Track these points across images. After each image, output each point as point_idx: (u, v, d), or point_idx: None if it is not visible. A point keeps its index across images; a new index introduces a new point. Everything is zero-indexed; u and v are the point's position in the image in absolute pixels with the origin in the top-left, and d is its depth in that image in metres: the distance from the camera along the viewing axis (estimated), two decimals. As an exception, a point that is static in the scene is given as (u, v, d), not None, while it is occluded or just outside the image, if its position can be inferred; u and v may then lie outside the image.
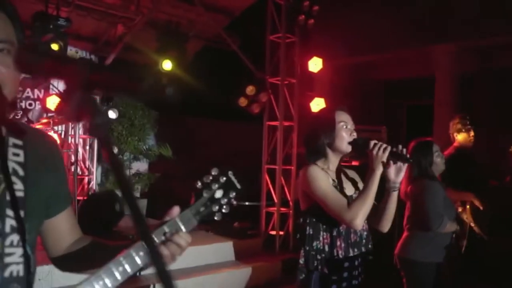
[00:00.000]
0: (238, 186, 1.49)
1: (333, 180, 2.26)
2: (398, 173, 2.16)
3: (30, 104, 6.82)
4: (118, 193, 7.46)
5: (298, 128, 6.53)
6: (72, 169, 6.77)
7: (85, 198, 5.90)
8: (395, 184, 2.18)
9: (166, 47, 6.54)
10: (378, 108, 9.47)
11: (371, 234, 2.36)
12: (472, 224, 3.85)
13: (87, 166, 7.06)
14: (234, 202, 1.44)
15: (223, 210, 1.53)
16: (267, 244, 6.20)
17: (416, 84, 8.67)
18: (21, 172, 1.21)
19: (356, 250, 2.27)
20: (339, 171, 2.36)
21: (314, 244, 2.23)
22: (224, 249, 5.89)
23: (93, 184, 6.92)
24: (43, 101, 6.66)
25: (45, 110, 6.60)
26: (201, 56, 8.54)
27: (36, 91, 6.82)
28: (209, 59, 8.45)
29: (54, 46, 5.80)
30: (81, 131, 7.08)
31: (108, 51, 7.10)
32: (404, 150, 2.13)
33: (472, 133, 4.45)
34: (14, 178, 1.19)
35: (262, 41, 6.70)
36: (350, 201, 2.21)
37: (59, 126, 6.91)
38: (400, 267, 3.40)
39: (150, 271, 1.10)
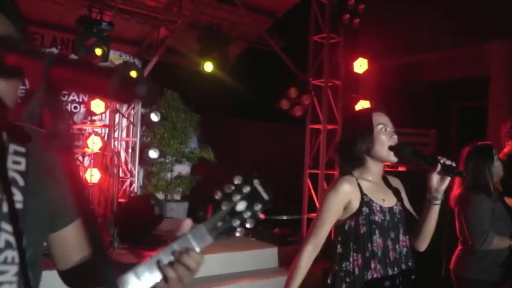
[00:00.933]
0: (266, 196, 1.31)
1: (363, 194, 2.03)
2: (442, 182, 1.91)
3: (75, 107, 6.93)
4: (158, 196, 7.50)
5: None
6: (115, 171, 6.85)
7: (126, 200, 5.91)
8: (437, 194, 1.93)
9: (208, 49, 6.49)
10: (427, 110, 9.04)
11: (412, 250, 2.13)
12: None
13: (129, 169, 7.10)
14: (261, 215, 1.27)
15: (247, 225, 1.37)
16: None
17: (467, 84, 8.19)
18: (21, 181, 1.10)
19: (396, 268, 2.03)
20: (381, 180, 2.14)
21: (344, 265, 2.02)
22: (265, 255, 5.73)
23: (135, 187, 6.95)
24: (87, 104, 6.76)
25: (89, 113, 6.70)
26: (244, 58, 8.45)
27: (81, 94, 6.92)
28: (252, 61, 8.34)
29: (98, 51, 5.86)
30: (124, 134, 7.14)
31: (151, 55, 7.12)
32: (454, 163, 1.88)
33: None
34: (12, 188, 1.08)
35: (305, 42, 6.52)
36: (392, 212, 2.02)
37: (102, 129, 7.00)
38: (454, 283, 3.14)
39: None
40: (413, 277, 2.10)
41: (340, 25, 6.14)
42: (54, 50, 6.71)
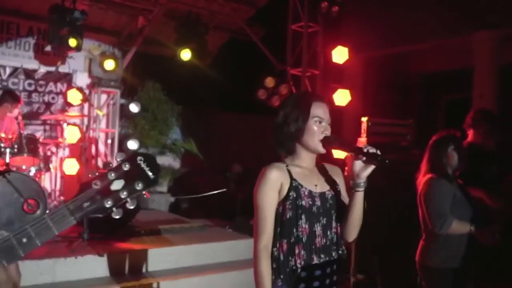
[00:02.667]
0: (151, 175, 1.24)
1: (293, 180, 1.97)
2: (365, 169, 1.84)
3: (53, 98, 6.86)
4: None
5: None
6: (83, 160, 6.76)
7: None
8: (359, 180, 1.86)
9: (185, 39, 6.39)
10: (414, 102, 8.95)
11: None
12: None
13: (108, 160, 7.03)
14: (145, 195, 1.20)
15: (128, 205, 1.30)
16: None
17: (455, 76, 8.11)
18: None
19: (323, 255, 1.96)
20: (315, 168, 2.07)
21: (272, 251, 1.94)
22: (241, 246, 5.66)
23: (114, 178, 6.86)
24: (65, 95, 6.69)
25: (66, 104, 6.64)
26: (227, 49, 8.36)
27: (59, 85, 6.84)
28: (235, 51, 8.25)
29: (72, 42, 5.79)
30: (102, 125, 7.06)
31: (131, 45, 7.04)
32: (378, 151, 1.81)
33: (483, 129, 4.01)
34: None
35: (286, 32, 6.44)
36: (324, 198, 1.97)
37: (81, 119, 6.93)
38: (419, 273, 3.10)
39: None
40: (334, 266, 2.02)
41: (319, 13, 6.06)
42: (31, 40, 6.63)
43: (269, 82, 6.00)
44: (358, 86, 7.50)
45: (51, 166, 5.49)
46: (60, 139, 5.68)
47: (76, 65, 6.97)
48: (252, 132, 8.02)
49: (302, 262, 1.91)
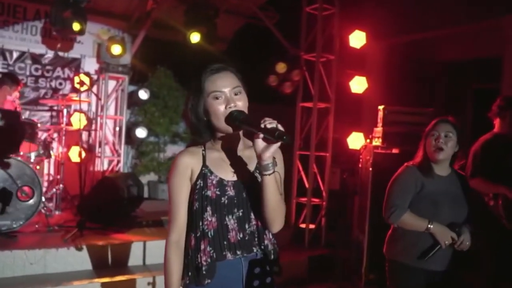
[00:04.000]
0: None
1: (204, 166, 1.75)
2: (267, 148, 1.58)
3: (60, 84, 6.69)
4: (151, 177, 7.21)
5: (335, 111, 5.84)
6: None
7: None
8: (264, 161, 1.60)
9: (194, 22, 6.11)
10: (438, 91, 8.45)
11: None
12: (504, 220, 3.17)
13: (115, 148, 6.84)
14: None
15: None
16: (295, 238, 5.62)
17: (484, 64, 7.57)
18: None
19: (240, 252, 1.72)
20: (240, 151, 1.82)
21: (187, 245, 1.76)
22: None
23: (121, 167, 6.69)
24: (72, 81, 6.52)
25: (74, 89, 6.47)
26: (243, 34, 8.03)
27: (66, 70, 6.67)
28: (251, 37, 7.91)
29: (75, 26, 5.58)
30: (111, 112, 6.87)
31: (141, 29, 6.79)
32: (279, 125, 1.55)
33: (509, 118, 3.63)
34: None
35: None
36: (240, 187, 1.75)
37: (87, 105, 6.76)
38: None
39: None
40: (276, 268, 1.78)
41: (335, -6, 5.68)
42: (38, 23, 6.46)
43: (281, 67, 5.67)
44: (378, 73, 7.07)
45: (51, 152, 5.29)
46: (62, 125, 5.47)
47: (85, 50, 6.78)
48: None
49: (209, 260, 1.69)
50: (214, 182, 1.72)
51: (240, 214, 1.73)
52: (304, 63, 5.87)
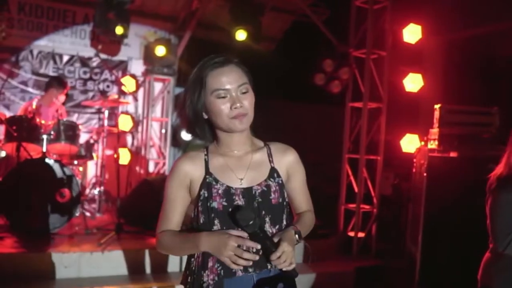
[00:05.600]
0: None
1: (208, 174, 1.55)
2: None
3: (108, 86, 6.73)
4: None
5: (388, 111, 5.43)
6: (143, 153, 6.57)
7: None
8: None
9: (240, 20, 5.91)
10: (501, 89, 7.74)
11: None
12: None
13: (162, 151, 6.78)
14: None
15: None
16: (343, 247, 5.25)
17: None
18: None
19: (251, 269, 1.50)
20: (247, 154, 1.61)
21: (191, 261, 1.58)
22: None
23: (166, 169, 6.62)
24: (119, 83, 6.54)
25: (121, 91, 6.49)
26: (292, 33, 7.77)
27: (114, 72, 6.71)
28: (301, 35, 7.63)
29: (118, 30, 5.55)
30: (157, 114, 6.83)
31: (186, 30, 6.71)
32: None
33: None
34: None
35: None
36: (250, 195, 1.54)
37: (134, 108, 6.75)
38: None
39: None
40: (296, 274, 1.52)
41: (387, -13, 5.29)
42: (87, 27, 6.53)
43: (328, 65, 5.35)
44: (435, 71, 6.56)
45: (93, 154, 5.28)
46: (105, 127, 5.45)
47: (132, 52, 6.79)
48: (305, 123, 7.37)
49: (216, 278, 1.49)
50: (220, 191, 1.53)
51: None
52: (353, 60, 5.50)
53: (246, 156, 1.60)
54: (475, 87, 6.94)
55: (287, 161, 1.65)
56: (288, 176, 1.65)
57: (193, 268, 1.55)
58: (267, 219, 1.54)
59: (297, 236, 1.52)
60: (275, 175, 1.60)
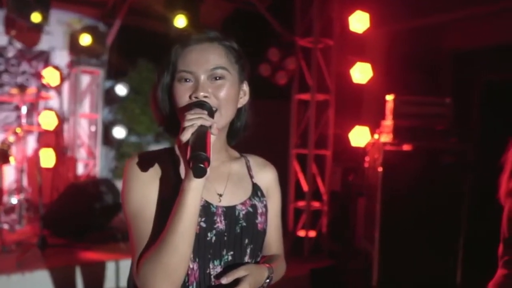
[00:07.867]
0: None
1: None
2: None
3: (27, 80, 5.98)
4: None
5: (336, 103, 5.18)
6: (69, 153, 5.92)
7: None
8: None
9: (176, 7, 5.41)
10: (446, 82, 7.81)
11: None
12: None
13: (91, 150, 6.14)
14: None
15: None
16: (294, 248, 4.95)
17: (497, 52, 6.93)
18: None
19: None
20: (223, 163, 1.22)
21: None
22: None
23: (97, 171, 5.99)
24: (41, 76, 5.82)
25: (43, 85, 5.79)
26: (233, 23, 7.35)
27: (34, 64, 5.96)
28: (242, 25, 7.23)
29: (35, 17, 4.88)
30: (86, 109, 6.18)
31: (116, 17, 6.10)
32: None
33: None
34: None
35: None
36: (233, 217, 1.16)
37: (58, 103, 6.06)
38: None
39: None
40: None
41: (333, -28, 5.01)
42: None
43: (273, 54, 5.00)
44: (381, 62, 6.42)
45: (10, 158, 4.59)
46: (17, 129, 4.74)
47: (54, 41, 6.07)
48: (256, 118, 7.02)
49: None
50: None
51: (230, 258, 1.16)
52: (300, 50, 5.19)
53: (223, 166, 1.21)
54: (419, 78, 6.90)
55: (267, 179, 1.29)
56: (270, 195, 1.28)
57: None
58: (248, 250, 1.17)
59: (267, 281, 1.17)
60: (259, 193, 1.23)
